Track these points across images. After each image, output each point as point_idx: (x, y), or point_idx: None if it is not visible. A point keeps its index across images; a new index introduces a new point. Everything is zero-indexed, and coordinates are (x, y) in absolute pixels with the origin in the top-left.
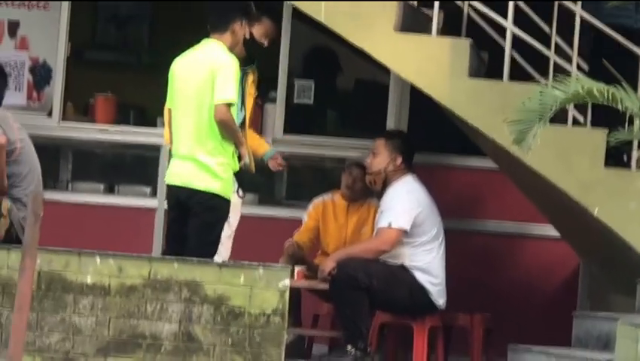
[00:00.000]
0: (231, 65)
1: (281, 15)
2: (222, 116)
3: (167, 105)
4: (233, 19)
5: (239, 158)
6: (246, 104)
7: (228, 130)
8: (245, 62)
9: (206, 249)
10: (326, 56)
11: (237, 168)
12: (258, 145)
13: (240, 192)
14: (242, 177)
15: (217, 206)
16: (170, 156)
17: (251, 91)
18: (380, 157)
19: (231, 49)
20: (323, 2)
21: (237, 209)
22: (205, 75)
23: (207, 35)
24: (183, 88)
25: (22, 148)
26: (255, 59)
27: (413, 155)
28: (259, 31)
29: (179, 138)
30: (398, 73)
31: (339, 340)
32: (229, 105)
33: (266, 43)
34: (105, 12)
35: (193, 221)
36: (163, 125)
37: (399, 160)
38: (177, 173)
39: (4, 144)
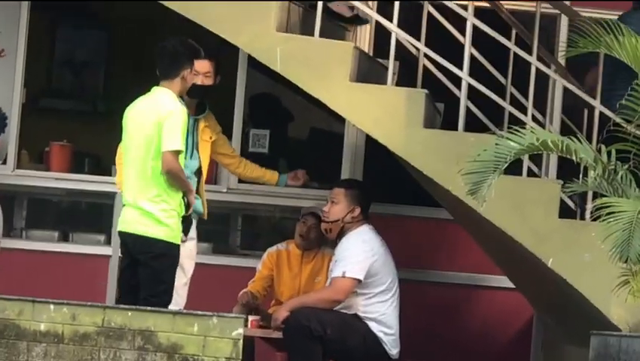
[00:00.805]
0: (178, 114)
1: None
2: (169, 164)
3: (120, 149)
4: (182, 65)
5: (188, 206)
6: (200, 151)
7: (176, 178)
8: (196, 110)
9: (159, 298)
10: (281, 105)
11: (183, 213)
12: (263, 175)
13: (182, 236)
14: (185, 221)
15: (164, 252)
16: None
17: (204, 137)
18: (339, 206)
19: (180, 94)
20: (279, 50)
21: (192, 256)
22: (152, 124)
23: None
24: (132, 136)
25: None
26: (206, 105)
27: (370, 205)
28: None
29: (126, 186)
30: (354, 123)
31: None
32: (176, 154)
33: (209, 82)
34: (61, 58)
35: (142, 271)
36: (116, 173)
37: (357, 211)
38: (124, 220)
39: None
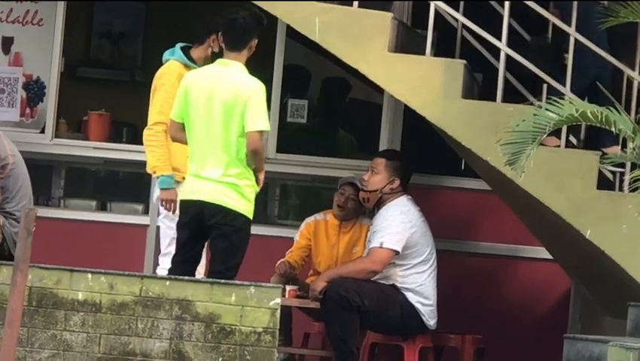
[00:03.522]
0: (261, 92)
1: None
2: (255, 144)
3: (175, 118)
4: (252, 37)
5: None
6: None
7: (259, 158)
8: None
9: (232, 272)
10: (320, 75)
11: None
12: None
13: None
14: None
15: (243, 227)
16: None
17: None
18: (379, 177)
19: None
20: (317, 21)
21: None
22: (235, 102)
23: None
24: (206, 109)
25: (14, 163)
26: None
27: (410, 177)
28: None
29: (203, 159)
30: (392, 93)
31: (330, 359)
32: (262, 133)
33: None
34: (99, 28)
35: (219, 243)
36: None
37: (396, 183)
38: (201, 190)
39: None
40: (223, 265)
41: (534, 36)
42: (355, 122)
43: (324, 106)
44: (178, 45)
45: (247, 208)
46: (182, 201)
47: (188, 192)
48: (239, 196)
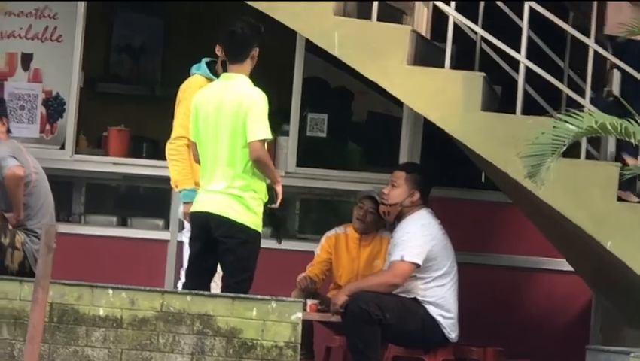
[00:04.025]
0: (261, 101)
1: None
2: (257, 152)
3: (192, 138)
4: (252, 47)
5: (275, 195)
6: None
7: (264, 167)
8: None
9: (243, 285)
10: (338, 88)
11: (269, 203)
12: None
13: (279, 239)
14: (279, 223)
15: (251, 240)
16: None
17: None
18: (399, 190)
19: (250, 74)
20: (336, 35)
21: None
22: (237, 113)
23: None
24: (213, 124)
25: (37, 180)
26: None
27: (430, 190)
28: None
29: (211, 173)
30: (411, 106)
31: None
32: (264, 142)
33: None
34: (118, 44)
35: (226, 257)
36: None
37: (416, 196)
38: (208, 202)
39: (22, 175)
40: (232, 278)
41: (596, 91)
42: (374, 136)
43: (343, 119)
44: (204, 60)
45: (253, 220)
46: (191, 214)
47: (196, 204)
48: (244, 208)
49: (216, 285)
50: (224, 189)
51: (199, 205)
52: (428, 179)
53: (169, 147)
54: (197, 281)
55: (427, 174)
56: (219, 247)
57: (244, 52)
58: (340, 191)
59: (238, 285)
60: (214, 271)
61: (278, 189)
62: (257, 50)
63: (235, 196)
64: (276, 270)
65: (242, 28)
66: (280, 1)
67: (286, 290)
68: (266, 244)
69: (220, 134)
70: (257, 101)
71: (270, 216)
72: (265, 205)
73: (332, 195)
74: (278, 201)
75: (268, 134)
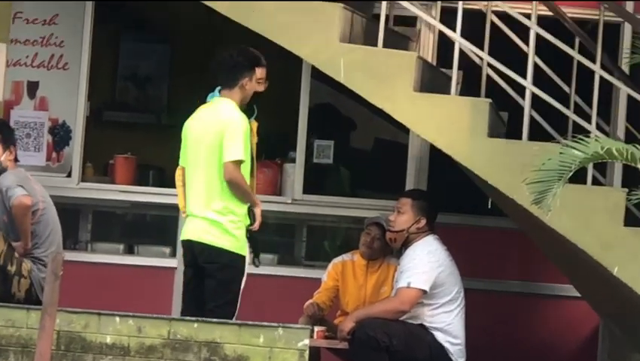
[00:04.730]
0: (239, 123)
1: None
2: (230, 174)
3: (180, 164)
4: (241, 75)
5: (253, 217)
6: (253, 152)
7: (237, 188)
8: (246, 114)
9: (224, 309)
10: (344, 115)
11: (249, 226)
12: None
13: (256, 262)
14: (257, 246)
15: (230, 263)
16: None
17: (253, 140)
18: (405, 216)
19: (241, 103)
20: (342, 61)
21: None
22: (214, 134)
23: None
24: (194, 148)
25: (44, 209)
26: (255, 109)
27: (436, 217)
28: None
29: (191, 197)
30: (418, 132)
31: None
32: (238, 164)
33: (261, 88)
34: (124, 72)
35: (208, 282)
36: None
37: (423, 222)
38: (189, 229)
39: (30, 205)
40: (213, 302)
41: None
42: (380, 162)
43: (350, 146)
44: (217, 88)
45: (232, 244)
46: (181, 242)
47: (182, 232)
48: (222, 233)
49: None
50: (202, 213)
51: (183, 233)
52: (435, 205)
53: (177, 173)
54: (193, 307)
55: (433, 200)
56: (204, 273)
57: (232, 79)
58: (347, 218)
59: (219, 308)
60: None
61: (257, 211)
62: (248, 79)
63: (212, 221)
64: (283, 297)
65: (233, 55)
66: (284, 27)
67: (293, 317)
68: (272, 271)
69: (200, 157)
70: (234, 123)
71: (250, 239)
72: (245, 228)
73: (339, 222)
74: (257, 223)
75: (242, 156)
